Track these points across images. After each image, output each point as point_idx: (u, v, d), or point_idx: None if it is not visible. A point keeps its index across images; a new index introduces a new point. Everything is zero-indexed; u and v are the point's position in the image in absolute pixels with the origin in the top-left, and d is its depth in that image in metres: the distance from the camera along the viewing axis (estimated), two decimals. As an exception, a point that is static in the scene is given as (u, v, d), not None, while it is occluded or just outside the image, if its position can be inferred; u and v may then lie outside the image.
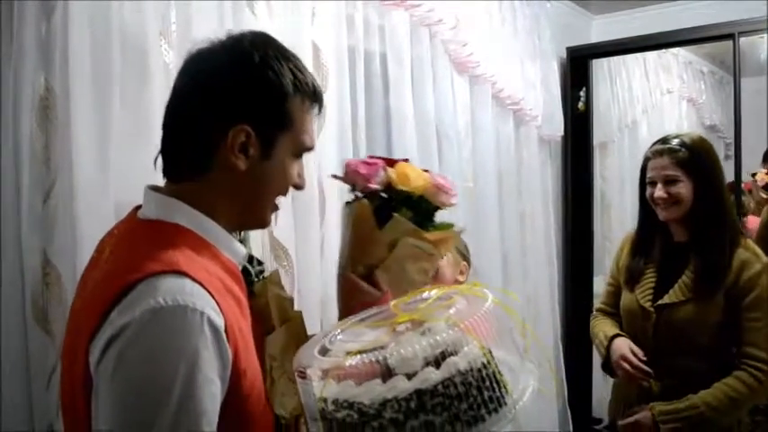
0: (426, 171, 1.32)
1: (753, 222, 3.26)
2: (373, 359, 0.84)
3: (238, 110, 0.96)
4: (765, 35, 3.09)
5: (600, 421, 3.32)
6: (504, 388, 0.84)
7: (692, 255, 1.91)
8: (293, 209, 1.83)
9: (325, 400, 0.83)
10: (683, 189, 1.90)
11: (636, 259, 2.04)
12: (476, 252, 2.14)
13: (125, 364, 0.83)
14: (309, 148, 1.06)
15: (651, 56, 3.62)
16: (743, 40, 3.06)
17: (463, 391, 0.80)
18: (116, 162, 1.44)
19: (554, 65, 3.23)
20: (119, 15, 1.46)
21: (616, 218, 3.68)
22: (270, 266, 1.38)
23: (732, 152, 3.10)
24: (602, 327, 2.10)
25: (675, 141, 1.94)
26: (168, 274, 0.87)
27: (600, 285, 3.59)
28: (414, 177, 1.26)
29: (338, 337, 1.00)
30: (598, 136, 3.57)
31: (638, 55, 3.60)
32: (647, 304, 1.95)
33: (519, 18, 2.93)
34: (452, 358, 0.82)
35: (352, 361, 0.85)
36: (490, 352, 0.84)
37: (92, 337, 0.86)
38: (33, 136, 1.35)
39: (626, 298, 2.05)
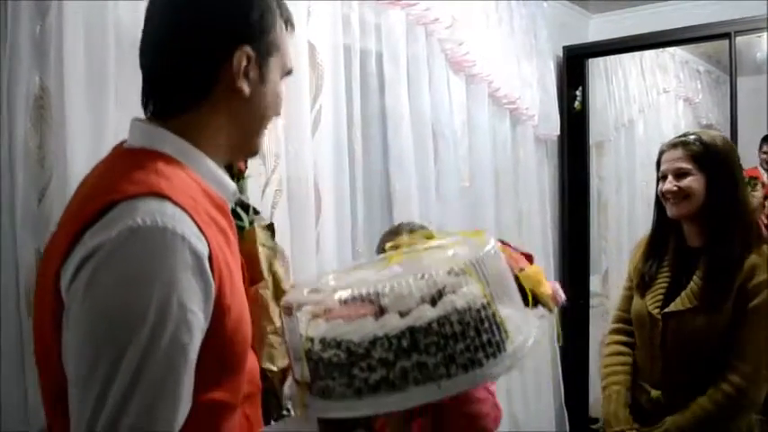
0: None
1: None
2: (365, 294, 0.79)
3: (240, 31, 0.94)
4: (762, 34, 3.10)
5: (596, 421, 3.33)
6: (505, 332, 0.79)
7: (701, 259, 1.81)
8: (289, 208, 1.83)
9: (311, 340, 0.78)
10: (695, 183, 1.79)
11: (648, 263, 1.93)
12: (472, 251, 2.14)
13: (97, 286, 0.78)
14: (290, 71, 1.06)
15: (648, 55, 3.63)
16: (739, 39, 3.06)
17: (459, 331, 0.75)
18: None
19: (550, 64, 3.24)
20: (114, 15, 1.46)
21: (613, 217, 3.69)
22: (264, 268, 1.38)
23: (728, 151, 3.10)
24: (612, 369, 1.98)
25: (692, 137, 1.85)
26: (148, 196, 0.82)
27: (596, 284, 3.60)
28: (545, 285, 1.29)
29: (330, 279, 0.96)
30: (594, 135, 3.58)
31: (635, 54, 3.60)
32: (656, 311, 1.84)
33: (515, 17, 2.93)
34: (450, 296, 0.77)
35: (342, 294, 0.81)
36: (491, 294, 0.80)
37: (63, 261, 0.81)
38: (28, 135, 1.35)
39: (636, 303, 1.94)
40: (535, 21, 3.10)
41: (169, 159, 0.91)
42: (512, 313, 0.87)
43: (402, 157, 2.29)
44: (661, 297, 1.85)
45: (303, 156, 1.88)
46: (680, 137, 1.87)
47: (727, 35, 3.06)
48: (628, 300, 2.02)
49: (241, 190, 1.37)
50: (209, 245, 0.84)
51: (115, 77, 1.45)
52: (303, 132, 1.88)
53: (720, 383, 1.71)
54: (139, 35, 1.49)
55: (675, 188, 1.81)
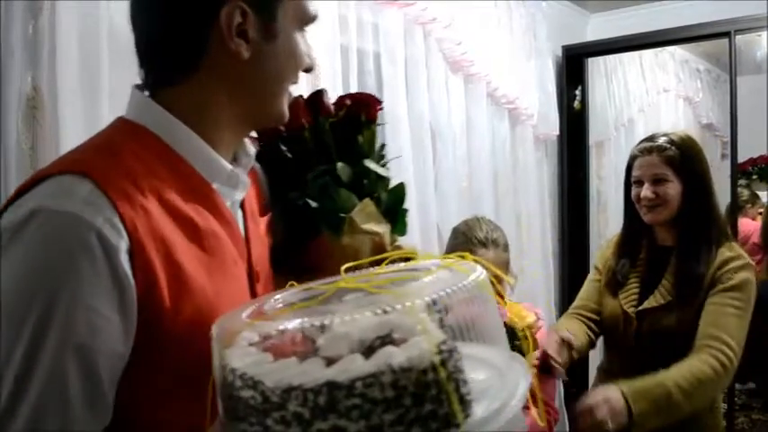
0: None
1: (745, 225, 3.26)
2: (306, 325, 0.62)
3: None
4: (762, 33, 3.09)
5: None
6: (462, 403, 0.59)
7: (673, 257, 1.80)
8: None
9: (233, 371, 0.62)
10: (672, 190, 1.78)
11: (621, 263, 1.90)
12: (470, 252, 2.13)
13: None
14: (314, 17, 0.90)
15: (647, 54, 3.62)
16: (739, 38, 3.05)
17: (392, 397, 0.57)
18: (105, 163, 1.42)
19: (549, 63, 3.22)
20: (107, 15, 1.44)
21: (612, 217, 3.67)
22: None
23: (728, 151, 3.09)
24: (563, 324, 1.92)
25: (663, 139, 1.82)
26: (70, 175, 0.72)
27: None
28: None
29: (279, 303, 0.79)
30: (594, 135, 3.57)
31: (635, 53, 3.59)
32: (631, 309, 1.82)
33: (514, 16, 2.92)
34: (389, 348, 0.59)
35: (284, 323, 0.63)
36: (452, 351, 0.60)
37: None
38: (20, 137, 1.33)
39: (609, 304, 1.90)
40: (534, 20, 3.09)
41: (144, 133, 0.82)
42: (490, 366, 0.70)
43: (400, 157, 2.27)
44: (635, 296, 1.84)
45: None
46: (651, 141, 1.84)
47: (726, 34, 3.05)
48: (594, 291, 1.97)
49: (356, 151, 1.07)
50: (129, 236, 0.71)
51: (109, 78, 1.44)
52: (300, 133, 1.87)
53: (710, 351, 1.64)
54: (132, 36, 1.48)
55: (653, 195, 1.79)
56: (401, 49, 2.28)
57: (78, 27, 1.39)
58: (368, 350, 0.59)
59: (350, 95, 1.11)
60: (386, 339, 0.60)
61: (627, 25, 3.49)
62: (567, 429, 3.22)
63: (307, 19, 0.89)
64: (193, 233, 0.80)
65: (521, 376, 0.66)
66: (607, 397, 1.54)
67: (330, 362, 0.59)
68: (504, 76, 2.80)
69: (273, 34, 0.83)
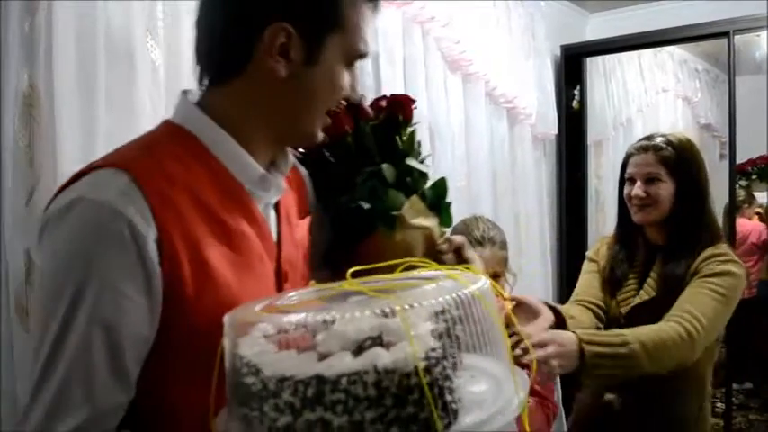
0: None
1: (742, 225, 3.26)
2: (310, 322, 0.66)
3: (276, 4, 0.85)
4: (760, 33, 3.08)
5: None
6: (446, 410, 0.61)
7: (659, 255, 1.77)
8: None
9: (241, 358, 0.68)
10: (664, 190, 1.74)
11: (618, 261, 1.85)
12: (468, 252, 2.13)
13: (42, 253, 0.81)
14: (364, 55, 0.93)
15: (646, 54, 3.62)
16: (738, 38, 3.05)
17: (374, 396, 0.59)
18: (102, 161, 1.42)
19: (548, 63, 3.22)
20: (104, 12, 1.44)
21: (611, 216, 3.65)
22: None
23: (727, 151, 3.09)
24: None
25: (661, 139, 1.78)
26: (111, 169, 0.80)
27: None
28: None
29: (293, 299, 0.83)
30: (592, 135, 3.57)
31: (633, 53, 3.59)
32: (625, 310, 1.79)
33: (513, 16, 2.92)
34: (377, 349, 0.62)
35: (290, 319, 0.68)
36: (439, 360, 0.62)
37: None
38: (16, 135, 1.33)
39: (607, 305, 1.85)
40: (533, 19, 3.09)
41: (183, 134, 0.89)
42: (491, 371, 0.72)
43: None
44: (631, 297, 1.80)
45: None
46: (648, 140, 1.81)
47: (725, 34, 3.05)
48: (596, 282, 1.88)
49: (397, 151, 1.12)
50: (158, 228, 0.79)
51: (105, 76, 1.43)
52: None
53: (679, 321, 1.56)
54: (129, 34, 1.48)
55: (644, 194, 1.75)
56: (399, 48, 2.28)
57: (75, 25, 1.39)
58: (358, 349, 0.63)
59: (384, 97, 1.17)
60: (376, 341, 0.63)
61: (626, 25, 3.49)
62: (565, 429, 3.22)
63: (356, 56, 0.93)
64: (223, 232, 0.86)
65: (518, 390, 0.68)
66: (558, 335, 1.43)
67: (322, 357, 0.63)
68: (502, 75, 2.80)
69: (315, 60, 0.88)
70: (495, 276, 1.75)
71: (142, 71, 1.49)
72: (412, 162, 1.12)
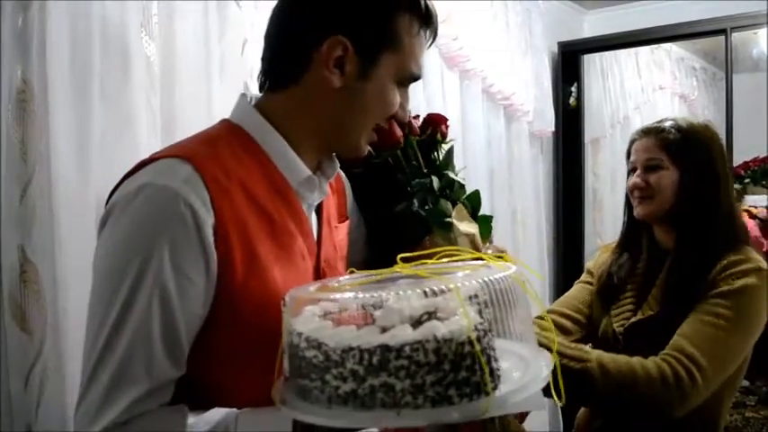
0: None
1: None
2: (363, 302, 0.75)
3: (335, 19, 0.91)
4: (758, 31, 3.08)
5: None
6: (492, 375, 0.71)
7: (667, 262, 1.51)
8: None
9: (299, 335, 0.75)
10: (665, 179, 1.50)
11: (613, 271, 1.61)
12: (465, 249, 2.12)
13: (108, 237, 0.85)
14: (417, 77, 0.99)
15: (643, 51, 3.62)
16: (735, 35, 3.05)
17: (434, 362, 0.69)
18: (96, 157, 1.40)
19: (545, 60, 3.22)
20: (98, 7, 1.43)
21: (608, 214, 3.67)
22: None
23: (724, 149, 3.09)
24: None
25: (669, 123, 1.54)
26: (175, 158, 0.87)
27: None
28: None
29: (344, 280, 0.92)
30: (590, 132, 3.57)
31: (631, 50, 3.59)
32: (620, 329, 1.51)
33: (510, 12, 2.91)
34: (433, 321, 0.71)
35: (341, 297, 0.77)
36: (486, 332, 0.72)
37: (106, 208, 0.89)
38: (10, 130, 1.32)
39: (600, 320, 1.61)
40: (530, 16, 3.08)
41: (240, 133, 0.95)
42: (518, 352, 0.81)
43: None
44: (629, 312, 1.53)
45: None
46: (655, 123, 1.58)
47: (723, 31, 3.05)
48: (585, 292, 1.68)
49: (439, 164, 1.27)
50: (216, 215, 0.84)
51: (100, 72, 1.42)
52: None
53: (666, 359, 1.31)
54: (124, 30, 1.47)
55: (643, 183, 1.53)
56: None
57: (69, 20, 1.38)
58: (416, 323, 0.72)
59: (420, 117, 1.31)
60: (432, 315, 0.73)
61: (623, 22, 3.49)
62: (561, 429, 3.22)
63: (409, 77, 0.98)
64: (270, 226, 0.91)
65: (543, 366, 0.78)
66: None
67: (384, 330, 0.71)
68: (499, 72, 2.79)
69: (368, 76, 0.93)
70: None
71: (137, 66, 1.48)
72: (452, 175, 1.26)
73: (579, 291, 1.71)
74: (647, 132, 1.57)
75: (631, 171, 1.60)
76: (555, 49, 3.47)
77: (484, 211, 1.21)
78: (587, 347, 1.37)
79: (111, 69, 1.45)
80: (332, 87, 0.92)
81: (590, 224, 3.61)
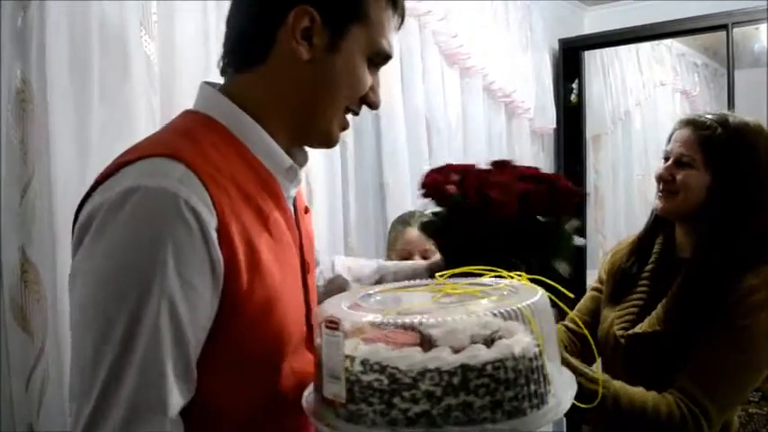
0: None
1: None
2: (414, 323, 0.74)
3: None
4: (759, 26, 3.07)
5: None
6: (549, 385, 0.76)
7: (682, 273, 1.38)
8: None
9: (352, 359, 0.73)
10: (693, 179, 1.36)
11: (627, 271, 1.51)
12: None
13: (95, 246, 0.74)
14: (387, 55, 0.93)
15: (644, 48, 3.60)
16: (736, 30, 3.03)
17: (512, 378, 0.72)
18: (96, 156, 1.40)
19: (546, 57, 3.22)
20: (98, 6, 1.42)
21: (609, 212, 3.67)
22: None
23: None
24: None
25: (712, 116, 1.38)
26: (161, 157, 0.77)
27: (593, 280, 3.58)
28: None
29: (376, 298, 0.89)
30: (591, 128, 3.56)
31: (631, 47, 3.57)
32: (621, 332, 1.42)
33: (510, 9, 2.91)
34: (505, 340, 0.73)
35: (388, 319, 0.75)
36: (543, 344, 0.76)
37: (76, 216, 0.79)
38: (10, 130, 1.32)
39: (603, 320, 1.52)
40: (530, 13, 3.08)
41: (212, 123, 0.87)
42: (552, 366, 0.83)
43: (395, 150, 2.27)
44: (632, 316, 1.44)
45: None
46: (699, 115, 1.42)
47: (724, 27, 3.04)
48: (590, 301, 1.63)
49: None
50: (218, 216, 0.77)
51: (99, 71, 1.42)
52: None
53: (673, 394, 1.26)
54: (123, 29, 1.46)
55: (669, 176, 1.40)
56: (396, 41, 2.26)
57: (68, 19, 1.37)
58: (487, 342, 0.74)
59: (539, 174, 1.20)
60: (494, 336, 0.75)
61: (623, 18, 3.47)
62: (564, 429, 3.22)
63: (379, 52, 0.92)
64: (264, 220, 0.85)
65: (568, 378, 0.84)
66: None
67: (455, 351, 0.72)
68: (500, 69, 2.79)
69: (337, 48, 0.88)
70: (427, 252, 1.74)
71: (136, 66, 1.48)
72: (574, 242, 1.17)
73: (584, 301, 1.66)
74: (687, 123, 1.42)
75: (665, 159, 1.44)
76: (555, 45, 3.46)
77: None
78: (606, 376, 1.29)
79: (110, 69, 1.45)
80: (300, 61, 0.86)
81: (591, 221, 3.60)
